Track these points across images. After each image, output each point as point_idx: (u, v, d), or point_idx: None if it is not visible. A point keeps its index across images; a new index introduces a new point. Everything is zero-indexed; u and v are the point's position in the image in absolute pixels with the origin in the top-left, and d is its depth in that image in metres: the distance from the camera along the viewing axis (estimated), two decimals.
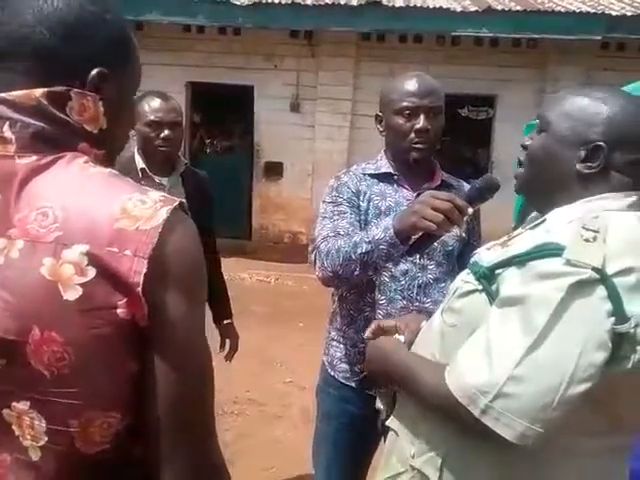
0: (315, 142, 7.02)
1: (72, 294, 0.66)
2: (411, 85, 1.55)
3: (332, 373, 1.69)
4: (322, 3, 6.28)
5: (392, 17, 6.14)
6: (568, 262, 0.83)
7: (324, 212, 1.59)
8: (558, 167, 0.99)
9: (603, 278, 0.82)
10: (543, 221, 0.96)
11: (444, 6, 6.15)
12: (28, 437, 0.71)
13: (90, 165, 0.74)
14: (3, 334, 0.68)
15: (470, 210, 1.25)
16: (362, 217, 1.58)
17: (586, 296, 0.82)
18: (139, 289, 0.67)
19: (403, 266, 1.54)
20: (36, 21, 0.71)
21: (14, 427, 0.72)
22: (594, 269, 0.82)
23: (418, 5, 6.30)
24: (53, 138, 0.72)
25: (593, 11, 5.95)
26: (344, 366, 1.65)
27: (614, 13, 5.89)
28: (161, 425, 0.70)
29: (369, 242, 1.36)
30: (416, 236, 1.32)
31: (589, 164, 0.96)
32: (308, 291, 5.48)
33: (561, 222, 0.92)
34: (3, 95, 0.70)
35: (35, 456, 0.72)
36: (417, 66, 5.72)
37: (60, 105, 0.72)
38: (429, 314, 1.47)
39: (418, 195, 1.56)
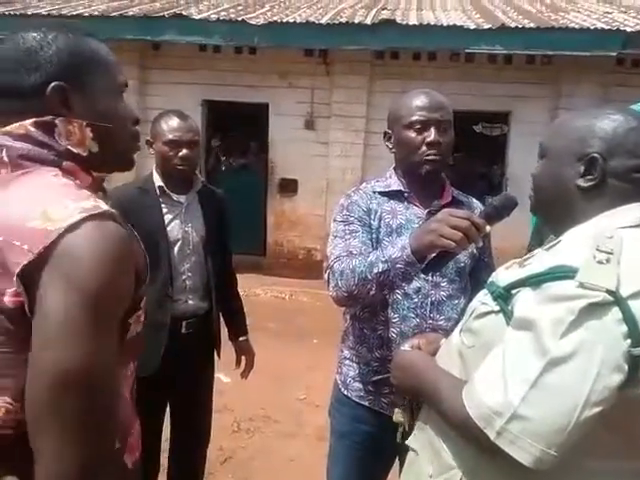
0: (329, 159, 7.05)
1: None
2: (420, 100, 1.56)
3: (345, 392, 1.67)
4: (336, 22, 6.35)
5: (406, 35, 6.18)
6: (581, 285, 0.83)
7: (335, 231, 1.59)
8: (561, 186, 1.01)
9: (617, 300, 0.81)
10: (558, 242, 0.97)
11: (457, 24, 6.18)
12: None
13: (55, 177, 0.84)
14: None
15: (488, 228, 1.25)
16: (374, 235, 1.57)
17: (599, 318, 0.81)
18: (14, 278, 0.73)
19: (416, 284, 1.54)
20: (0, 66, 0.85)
21: None
22: (608, 291, 0.81)
23: (431, 23, 6.33)
24: (37, 157, 0.85)
25: (608, 27, 5.94)
26: (357, 385, 1.64)
27: (629, 29, 5.87)
28: (27, 423, 0.73)
29: (385, 261, 1.36)
30: (433, 254, 1.32)
31: (589, 177, 0.97)
32: (322, 307, 5.47)
33: (575, 243, 0.92)
34: (4, 128, 0.85)
35: None
36: (431, 83, 5.75)
37: (49, 132, 0.86)
38: (443, 332, 1.47)
39: (429, 212, 1.57)
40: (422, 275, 1.45)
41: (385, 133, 1.66)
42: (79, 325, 0.73)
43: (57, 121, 0.86)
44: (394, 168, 1.68)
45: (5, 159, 0.84)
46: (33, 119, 0.85)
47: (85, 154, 0.88)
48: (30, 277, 0.73)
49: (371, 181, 1.70)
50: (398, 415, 1.27)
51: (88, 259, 0.74)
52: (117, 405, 0.82)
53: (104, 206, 0.80)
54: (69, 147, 0.87)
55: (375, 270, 1.37)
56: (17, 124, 0.85)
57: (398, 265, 1.34)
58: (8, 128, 0.85)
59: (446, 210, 1.31)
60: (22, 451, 0.75)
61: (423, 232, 1.31)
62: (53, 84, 0.85)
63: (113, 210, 0.81)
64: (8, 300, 0.74)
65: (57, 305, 0.72)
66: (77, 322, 0.73)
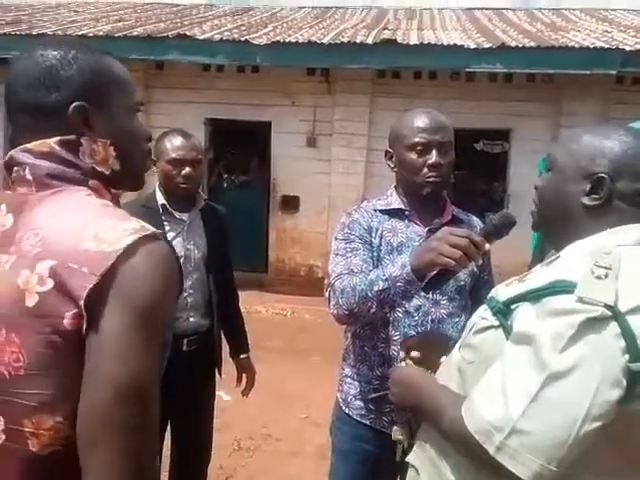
0: (331, 176, 7.09)
1: (31, 301, 0.76)
2: (422, 121, 1.57)
3: (346, 411, 1.67)
4: (338, 42, 6.43)
5: (407, 54, 6.25)
6: (579, 299, 0.83)
7: (337, 249, 1.59)
8: (566, 202, 1.01)
9: (616, 315, 0.82)
10: (557, 257, 0.97)
11: (458, 43, 6.25)
12: None
13: (89, 196, 0.84)
14: None
15: (487, 246, 1.25)
16: (374, 253, 1.57)
17: (598, 333, 0.82)
18: (81, 302, 0.74)
19: (416, 301, 1.54)
20: (20, 83, 0.86)
21: None
22: (606, 306, 0.82)
23: (432, 42, 6.40)
24: (63, 176, 0.85)
25: (607, 46, 6.00)
26: (359, 403, 1.63)
27: (628, 48, 5.93)
28: (78, 434, 0.74)
29: (386, 280, 1.36)
30: (433, 273, 1.32)
31: (594, 196, 0.98)
32: (324, 325, 5.43)
33: (574, 258, 0.93)
34: (26, 146, 0.85)
35: None
36: (432, 101, 5.79)
37: (73, 150, 0.86)
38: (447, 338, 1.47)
39: (429, 230, 1.57)
40: (422, 293, 1.45)
41: (386, 152, 1.67)
42: (137, 342, 0.75)
43: (82, 140, 0.86)
44: (395, 186, 1.69)
45: (29, 177, 0.84)
46: (58, 137, 0.85)
47: (108, 172, 0.89)
48: (93, 299, 0.74)
49: (372, 199, 1.71)
50: (397, 433, 1.27)
51: (145, 280, 0.77)
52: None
53: (149, 226, 0.82)
54: (94, 166, 0.87)
55: (376, 288, 1.38)
56: (39, 142, 0.85)
57: (398, 283, 1.34)
58: (29, 146, 0.85)
59: (446, 229, 1.32)
60: (67, 469, 0.77)
61: (423, 250, 1.32)
62: (75, 104, 0.85)
63: (157, 230, 0.82)
64: (67, 322, 0.75)
65: (117, 324, 0.74)
66: (135, 340, 0.75)
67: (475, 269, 1.62)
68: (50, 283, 0.75)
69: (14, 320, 0.77)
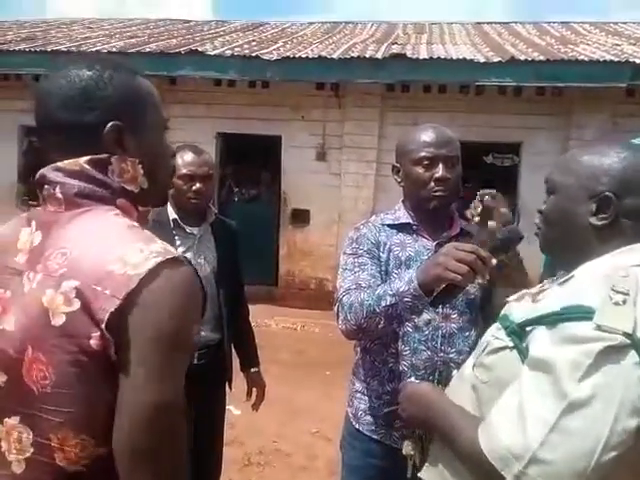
0: (341, 190, 7.11)
1: (58, 320, 0.77)
2: (428, 136, 1.58)
3: (357, 426, 1.66)
4: (348, 56, 6.49)
5: (416, 68, 6.28)
6: (598, 327, 0.82)
7: (345, 264, 1.59)
8: (573, 224, 1.01)
9: (635, 343, 0.81)
10: (571, 277, 0.96)
11: (467, 57, 6.28)
12: (14, 451, 0.80)
13: (117, 217, 0.84)
14: (10, 352, 0.80)
15: (494, 261, 1.25)
16: (383, 268, 1.58)
17: (617, 362, 0.81)
18: (103, 325, 0.75)
19: (426, 316, 1.53)
20: (53, 102, 0.87)
21: (2, 443, 0.80)
22: (625, 334, 0.81)
23: (442, 57, 6.44)
24: (93, 195, 0.86)
25: (617, 59, 6.00)
26: (369, 418, 1.63)
27: (638, 61, 5.92)
28: (116, 458, 0.76)
29: (393, 295, 1.36)
30: (440, 288, 1.32)
31: (601, 215, 0.97)
32: (334, 339, 5.41)
33: (588, 280, 0.91)
34: (57, 164, 0.86)
35: (19, 469, 0.80)
36: (441, 115, 5.82)
37: (103, 169, 0.87)
38: (454, 364, 1.46)
39: (438, 244, 1.57)
40: (432, 308, 1.45)
41: (393, 167, 1.68)
42: (165, 366, 0.77)
43: (112, 159, 0.87)
44: (402, 201, 1.69)
45: (59, 195, 0.85)
46: (88, 157, 0.86)
47: (137, 191, 0.90)
48: (114, 321, 0.75)
49: (380, 214, 1.71)
50: (408, 448, 1.26)
51: (170, 303, 0.77)
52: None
53: (172, 249, 0.83)
54: (123, 185, 0.88)
55: (383, 303, 1.38)
56: (71, 160, 0.86)
57: (406, 299, 1.34)
58: (60, 164, 0.86)
59: (452, 244, 1.32)
60: None
61: (429, 265, 1.32)
62: (111, 124, 0.86)
63: (180, 253, 0.83)
64: (94, 343, 0.75)
65: (143, 348, 0.75)
66: (163, 364, 0.76)
67: (487, 283, 1.61)
68: (77, 304, 0.76)
69: (40, 339, 0.78)
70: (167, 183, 1.00)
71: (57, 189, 0.85)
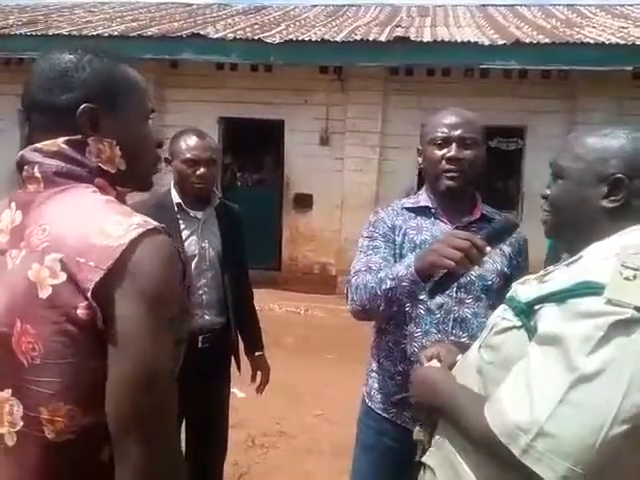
0: (344, 174, 7.09)
1: (44, 293, 0.79)
2: (446, 118, 1.60)
3: (370, 404, 1.69)
4: (351, 39, 6.43)
5: (420, 51, 6.23)
6: (609, 301, 0.82)
7: (361, 247, 1.63)
8: (584, 208, 1.00)
9: None
10: (579, 258, 0.96)
11: (472, 40, 6.21)
12: (6, 424, 0.83)
13: (94, 194, 0.88)
14: (1, 327, 0.82)
15: (488, 249, 1.25)
16: (397, 251, 1.59)
17: (627, 335, 0.81)
18: (89, 294, 0.78)
19: (439, 299, 1.53)
20: (35, 84, 0.90)
21: None
22: (636, 308, 0.81)
23: (446, 39, 6.38)
24: (71, 174, 0.88)
25: (623, 42, 5.93)
26: (381, 397, 1.65)
27: None
28: (109, 424, 0.79)
29: (393, 279, 1.38)
30: (438, 276, 1.32)
31: (613, 198, 0.97)
32: (338, 323, 5.46)
33: (598, 258, 0.91)
34: (36, 145, 0.89)
35: (11, 441, 0.83)
36: (445, 99, 5.77)
37: (80, 149, 0.89)
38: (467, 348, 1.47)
39: (456, 228, 1.57)
40: (429, 297, 1.46)
41: (418, 149, 1.70)
42: (152, 330, 0.80)
43: (89, 140, 0.89)
44: (425, 184, 1.70)
45: (37, 175, 0.87)
46: (66, 137, 0.88)
47: (114, 171, 0.92)
48: (100, 291, 0.78)
49: (404, 198, 1.73)
50: (419, 434, 1.26)
51: (152, 271, 0.80)
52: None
53: (152, 221, 0.85)
54: (100, 164, 0.91)
55: (384, 286, 1.40)
56: (49, 142, 0.88)
57: (404, 283, 1.36)
58: (38, 145, 0.89)
59: (449, 232, 1.33)
60: (82, 455, 0.83)
61: (426, 252, 1.33)
62: (83, 106, 0.88)
63: (160, 224, 0.86)
64: (81, 313, 0.78)
65: (131, 315, 0.79)
66: (150, 328, 0.79)
67: (507, 270, 1.60)
68: (63, 276, 0.79)
69: (28, 311, 0.80)
70: (148, 169, 1.01)
71: (35, 169, 0.88)
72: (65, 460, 0.83)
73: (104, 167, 0.91)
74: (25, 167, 0.89)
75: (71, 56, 0.90)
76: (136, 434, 0.77)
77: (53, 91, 0.88)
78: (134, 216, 0.84)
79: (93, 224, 0.81)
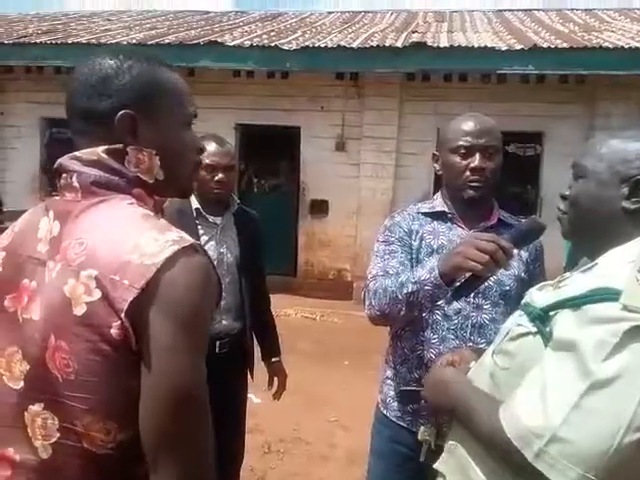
0: (360, 180, 7.09)
1: (79, 310, 0.78)
2: (467, 125, 1.57)
3: (385, 412, 1.67)
4: (367, 45, 6.43)
5: (437, 57, 6.22)
6: (625, 307, 0.81)
7: (377, 251, 1.61)
8: (604, 208, 1.00)
9: None
10: (595, 264, 0.95)
11: (489, 45, 6.19)
12: (39, 437, 0.82)
13: (131, 206, 0.85)
14: (36, 340, 0.82)
15: (515, 251, 1.24)
16: (414, 256, 1.58)
17: None
18: (122, 314, 0.76)
19: (456, 305, 1.52)
20: (76, 90, 0.89)
21: (28, 430, 0.82)
22: None
23: (463, 45, 6.36)
24: (109, 184, 0.87)
25: None
26: (396, 405, 1.64)
27: None
28: (143, 443, 0.78)
29: (415, 282, 1.37)
30: (462, 279, 1.31)
31: (634, 199, 0.97)
32: (353, 328, 5.45)
33: (616, 264, 0.90)
34: (75, 153, 0.88)
35: (46, 454, 0.82)
36: (462, 104, 5.75)
37: (120, 159, 0.88)
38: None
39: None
40: (453, 300, 1.44)
41: (433, 155, 1.68)
42: (185, 351, 0.78)
43: (129, 149, 0.88)
44: (442, 190, 1.69)
45: (75, 184, 0.86)
46: (105, 146, 0.87)
47: (152, 181, 0.91)
48: (133, 311, 0.77)
49: (420, 202, 1.72)
50: (424, 434, 1.26)
51: (186, 291, 0.79)
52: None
53: (187, 237, 0.83)
54: (138, 174, 0.89)
55: (405, 290, 1.39)
56: (89, 150, 0.87)
57: (426, 287, 1.35)
58: (78, 154, 0.88)
59: (473, 233, 1.32)
60: (121, 469, 0.82)
61: (450, 254, 1.32)
62: (122, 112, 0.86)
63: (196, 241, 0.84)
64: (115, 333, 0.77)
65: (165, 336, 0.77)
66: (183, 349, 0.78)
67: (524, 276, 1.59)
68: (97, 294, 0.77)
69: (62, 327, 0.79)
70: (188, 177, 0.98)
71: (74, 178, 0.86)
72: (104, 473, 0.82)
73: (143, 177, 0.89)
74: (63, 175, 0.88)
75: (112, 62, 0.88)
76: (169, 455, 0.77)
77: (92, 97, 0.87)
78: (170, 231, 0.83)
79: (128, 239, 0.80)
